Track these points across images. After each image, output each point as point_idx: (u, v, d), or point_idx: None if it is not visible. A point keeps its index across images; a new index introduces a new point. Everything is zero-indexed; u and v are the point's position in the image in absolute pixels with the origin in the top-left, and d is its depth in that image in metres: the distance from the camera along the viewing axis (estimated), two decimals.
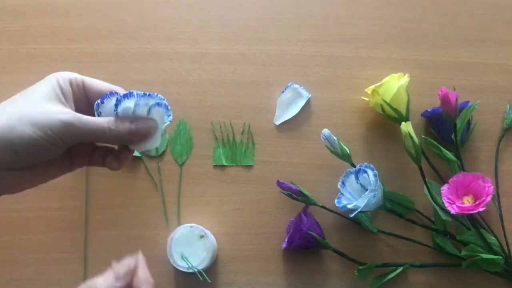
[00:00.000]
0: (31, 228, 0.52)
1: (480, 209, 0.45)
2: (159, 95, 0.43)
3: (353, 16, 0.57)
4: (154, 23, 0.56)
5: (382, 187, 0.48)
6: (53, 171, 0.44)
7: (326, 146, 0.51)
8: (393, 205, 0.51)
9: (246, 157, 0.54)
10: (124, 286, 0.38)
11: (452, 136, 0.51)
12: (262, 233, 0.53)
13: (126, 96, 0.43)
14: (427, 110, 0.54)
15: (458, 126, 0.50)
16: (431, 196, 0.50)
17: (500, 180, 0.54)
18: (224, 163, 0.54)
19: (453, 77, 0.56)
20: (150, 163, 0.54)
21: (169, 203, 0.53)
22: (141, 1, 0.56)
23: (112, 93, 0.43)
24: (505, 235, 0.51)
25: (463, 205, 0.46)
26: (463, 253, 0.49)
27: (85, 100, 0.44)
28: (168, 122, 0.44)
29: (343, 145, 0.50)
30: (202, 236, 0.48)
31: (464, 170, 0.51)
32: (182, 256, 0.47)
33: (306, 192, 0.52)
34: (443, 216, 0.50)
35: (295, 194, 0.51)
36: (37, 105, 0.39)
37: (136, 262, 0.39)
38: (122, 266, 0.39)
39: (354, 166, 0.50)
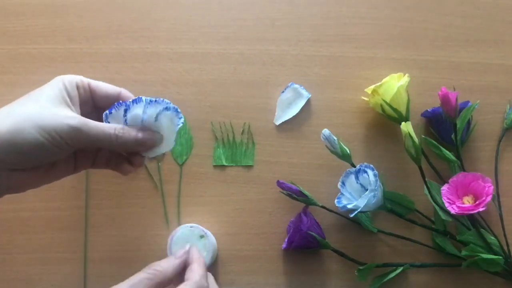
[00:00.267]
0: (31, 228, 0.52)
1: (480, 209, 0.45)
2: (165, 100, 0.44)
3: (353, 16, 0.57)
4: (154, 23, 0.56)
5: (382, 187, 0.48)
6: (57, 172, 0.44)
7: (326, 146, 0.51)
8: (393, 205, 0.51)
9: (246, 157, 0.54)
10: (182, 263, 0.43)
11: (452, 136, 0.51)
12: (262, 233, 0.53)
13: (135, 101, 0.43)
14: (427, 110, 0.54)
15: (458, 126, 0.50)
16: (431, 196, 0.50)
17: (500, 180, 0.54)
18: (224, 163, 0.54)
19: (453, 77, 0.56)
20: (150, 163, 0.54)
21: (169, 203, 0.53)
22: (141, 1, 0.56)
23: (120, 103, 0.43)
24: (505, 235, 0.51)
25: (463, 205, 0.46)
26: (463, 253, 0.49)
27: (91, 103, 0.45)
28: (180, 125, 0.45)
29: (343, 145, 0.50)
30: (202, 236, 0.48)
31: (464, 170, 0.51)
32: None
33: (306, 192, 0.52)
34: (443, 216, 0.50)
35: (295, 194, 0.51)
36: (45, 108, 0.39)
37: (189, 246, 0.45)
38: (180, 250, 0.45)
39: (354, 166, 0.50)
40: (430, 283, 0.53)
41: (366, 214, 0.53)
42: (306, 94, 0.55)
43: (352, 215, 0.47)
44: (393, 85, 0.50)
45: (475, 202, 0.47)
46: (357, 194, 0.49)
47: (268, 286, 0.53)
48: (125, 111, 0.43)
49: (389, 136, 0.55)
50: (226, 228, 0.53)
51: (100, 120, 0.43)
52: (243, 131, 0.55)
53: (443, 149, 0.51)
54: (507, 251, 0.50)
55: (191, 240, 0.48)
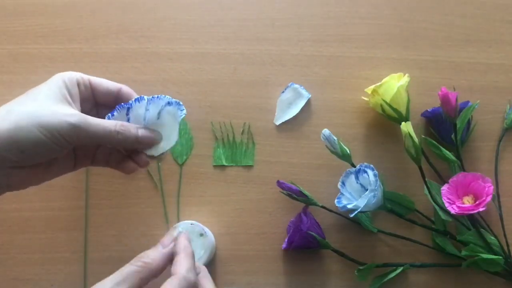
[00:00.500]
0: (31, 228, 0.52)
1: (480, 209, 0.45)
2: (167, 96, 0.45)
3: (353, 16, 0.57)
4: (154, 23, 0.56)
5: (382, 187, 0.48)
6: (56, 169, 0.44)
7: (326, 146, 0.51)
8: (393, 205, 0.51)
9: (246, 157, 0.54)
10: (170, 252, 0.42)
11: (452, 136, 0.51)
12: (262, 233, 0.53)
13: (137, 100, 0.44)
14: (427, 110, 0.54)
15: (458, 126, 0.50)
16: (431, 196, 0.50)
17: (500, 180, 0.54)
18: (224, 163, 0.54)
19: (453, 77, 0.56)
20: (150, 163, 0.54)
21: (169, 203, 0.53)
22: (141, 1, 0.56)
23: (122, 105, 0.44)
24: (505, 235, 0.51)
25: (463, 205, 0.46)
26: (463, 253, 0.49)
27: (91, 100, 0.45)
28: (183, 115, 0.45)
29: (343, 145, 0.50)
30: (201, 234, 0.48)
31: (464, 170, 0.51)
32: None
33: (306, 192, 0.52)
34: (443, 216, 0.50)
35: (295, 194, 0.51)
36: (44, 106, 0.39)
37: (178, 233, 0.44)
38: (167, 237, 0.44)
39: (354, 166, 0.50)
40: (430, 283, 0.53)
41: (366, 214, 0.53)
42: (306, 94, 0.55)
43: (352, 215, 0.47)
44: (393, 85, 0.50)
45: (475, 202, 0.47)
46: (357, 194, 0.49)
47: (268, 286, 0.53)
48: (128, 109, 0.44)
49: (389, 136, 0.55)
50: (226, 228, 0.53)
51: (101, 116, 0.43)
52: (243, 131, 0.55)
53: (443, 149, 0.51)
54: (507, 251, 0.50)
55: (190, 237, 0.48)
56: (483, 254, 0.48)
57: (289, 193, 0.51)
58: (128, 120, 0.44)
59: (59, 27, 0.55)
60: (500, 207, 0.52)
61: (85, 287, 0.52)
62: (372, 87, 0.52)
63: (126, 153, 0.47)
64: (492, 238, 0.50)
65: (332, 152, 0.51)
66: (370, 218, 0.53)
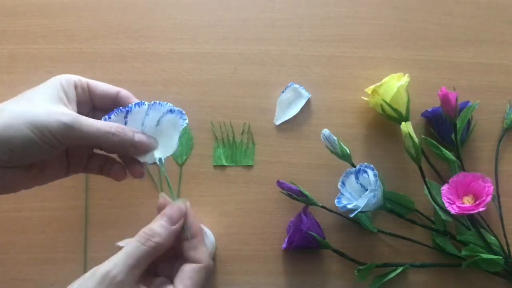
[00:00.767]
0: (31, 228, 0.52)
1: (480, 209, 0.45)
2: (169, 103, 0.43)
3: (353, 16, 0.57)
4: (154, 23, 0.56)
5: (382, 187, 0.48)
6: (49, 174, 0.43)
7: (326, 146, 0.51)
8: (393, 205, 0.51)
9: (246, 157, 0.54)
10: (179, 230, 0.40)
11: (452, 136, 0.51)
12: (262, 233, 0.53)
13: (137, 104, 0.43)
14: (427, 110, 0.54)
15: (458, 126, 0.50)
16: (431, 196, 0.50)
17: (500, 180, 0.54)
18: (224, 163, 0.54)
19: (453, 77, 0.56)
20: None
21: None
22: (141, 1, 0.56)
23: (120, 109, 0.42)
24: (505, 235, 0.51)
25: (463, 205, 0.46)
26: (463, 253, 0.49)
27: (89, 103, 0.45)
28: (184, 125, 0.44)
29: (343, 145, 0.50)
30: None
31: (464, 170, 0.51)
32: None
33: (306, 192, 0.52)
34: (443, 216, 0.50)
35: (295, 194, 0.51)
36: (38, 105, 0.39)
37: (186, 207, 0.41)
38: (174, 210, 0.40)
39: (354, 166, 0.50)
40: (430, 283, 0.53)
41: (366, 214, 0.53)
42: (306, 94, 0.55)
43: (352, 215, 0.47)
44: (393, 85, 0.50)
45: (475, 202, 0.47)
46: (357, 194, 0.49)
47: (268, 286, 0.53)
48: (127, 113, 0.43)
49: (389, 136, 0.55)
50: (226, 228, 0.53)
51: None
52: (243, 131, 0.55)
53: (443, 149, 0.51)
54: (507, 251, 0.50)
55: None
56: (483, 254, 0.48)
57: (289, 193, 0.51)
58: (125, 124, 0.42)
59: (59, 27, 0.55)
60: (500, 207, 0.52)
61: None
62: (372, 87, 0.52)
63: (120, 159, 0.46)
64: (492, 238, 0.50)
65: (332, 152, 0.51)
66: (370, 218, 0.53)
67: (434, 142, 0.51)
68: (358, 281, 0.51)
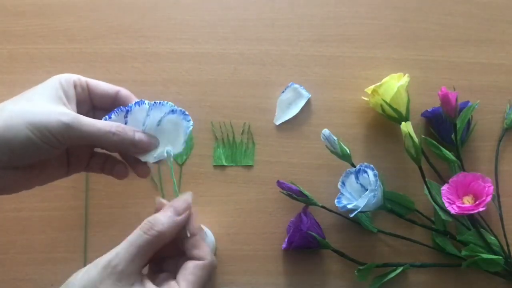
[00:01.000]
0: (31, 228, 0.52)
1: (480, 209, 0.45)
2: (170, 102, 0.43)
3: (353, 16, 0.57)
4: (154, 23, 0.56)
5: (382, 187, 0.48)
6: (49, 174, 0.43)
7: (326, 146, 0.51)
8: (393, 205, 0.51)
9: (246, 157, 0.54)
10: (184, 222, 0.39)
11: (452, 136, 0.51)
12: (262, 233, 0.53)
13: (137, 103, 0.43)
14: (427, 110, 0.54)
15: (458, 126, 0.50)
16: (431, 196, 0.50)
17: (500, 180, 0.54)
18: (224, 163, 0.54)
19: (453, 77, 0.56)
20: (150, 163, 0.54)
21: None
22: (141, 1, 0.56)
23: (121, 108, 0.42)
24: (505, 235, 0.51)
25: (463, 205, 0.46)
26: (463, 253, 0.49)
27: (89, 102, 0.44)
28: (190, 128, 0.43)
29: (343, 145, 0.50)
30: None
31: (464, 170, 0.51)
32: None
33: (306, 192, 0.52)
34: (443, 216, 0.50)
35: (295, 194, 0.51)
36: (37, 105, 0.39)
37: (191, 199, 0.41)
38: (180, 201, 0.40)
39: (354, 166, 0.50)
40: (430, 283, 0.53)
41: (366, 214, 0.53)
42: (306, 94, 0.55)
43: (352, 215, 0.47)
44: (393, 85, 0.50)
45: (475, 202, 0.47)
46: (357, 194, 0.49)
47: (268, 286, 0.53)
48: (127, 112, 0.42)
49: (389, 136, 0.55)
50: (226, 228, 0.53)
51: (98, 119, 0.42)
52: (243, 131, 0.55)
53: (443, 149, 0.51)
54: (507, 251, 0.50)
55: None
56: (483, 254, 0.48)
57: (289, 193, 0.51)
58: (125, 123, 0.42)
59: (59, 27, 0.55)
60: (500, 207, 0.52)
61: None
62: (372, 87, 0.52)
63: (123, 158, 0.46)
64: (492, 238, 0.50)
65: (332, 152, 0.51)
66: (370, 218, 0.53)
67: (434, 142, 0.51)
68: (358, 281, 0.51)
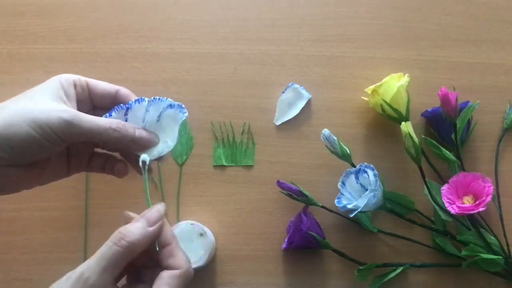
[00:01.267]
0: (31, 228, 0.52)
1: (480, 209, 0.45)
2: (169, 99, 0.44)
3: (353, 16, 0.57)
4: (154, 23, 0.56)
5: (382, 187, 0.48)
6: (50, 173, 0.43)
7: (326, 146, 0.51)
8: (393, 205, 0.51)
9: (246, 157, 0.54)
10: (157, 232, 0.38)
11: (452, 136, 0.51)
12: (262, 233, 0.53)
13: (137, 101, 0.43)
14: (427, 110, 0.54)
15: (458, 126, 0.50)
16: (431, 196, 0.50)
17: (500, 180, 0.54)
18: (224, 163, 0.54)
19: (453, 77, 0.56)
20: (150, 163, 0.54)
21: (169, 203, 0.53)
22: (141, 1, 0.56)
23: (121, 106, 0.43)
24: (505, 235, 0.51)
25: (463, 205, 0.46)
26: (463, 253, 0.49)
27: (89, 102, 0.45)
28: (184, 118, 0.44)
29: (343, 145, 0.50)
30: (201, 234, 0.48)
31: (464, 170, 0.51)
32: None
33: (306, 192, 0.52)
34: (443, 216, 0.50)
35: (295, 194, 0.51)
36: (38, 103, 0.39)
37: (164, 209, 0.40)
38: (152, 212, 0.39)
39: (354, 166, 0.50)
40: (430, 283, 0.53)
41: (366, 214, 0.53)
42: (306, 95, 0.55)
43: (352, 215, 0.47)
44: (393, 85, 0.50)
45: (475, 202, 0.47)
46: (357, 194, 0.49)
47: (268, 286, 0.53)
48: (127, 110, 0.43)
49: (389, 136, 0.55)
50: (226, 228, 0.53)
51: None
52: (243, 131, 0.55)
53: (443, 149, 0.51)
54: (507, 251, 0.50)
55: (190, 237, 0.48)
56: (483, 254, 0.48)
57: (289, 193, 0.51)
58: (126, 121, 0.43)
59: (59, 27, 0.55)
60: (500, 207, 0.52)
61: None
62: (372, 87, 0.52)
63: (125, 157, 0.46)
64: (492, 238, 0.50)
65: (332, 152, 0.51)
66: (370, 218, 0.53)
67: (434, 142, 0.51)
68: (358, 281, 0.51)
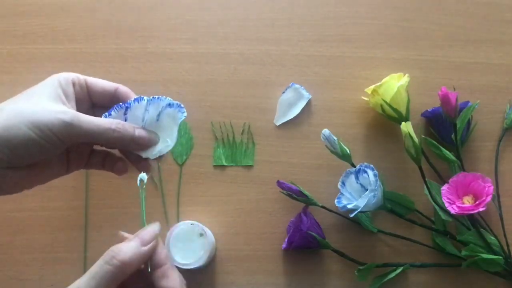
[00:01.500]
0: (31, 228, 0.52)
1: (480, 209, 0.45)
2: (168, 98, 0.43)
3: (353, 16, 0.57)
4: (154, 23, 0.56)
5: (382, 187, 0.48)
6: (49, 172, 0.43)
7: (326, 146, 0.51)
8: (393, 205, 0.51)
9: (246, 157, 0.54)
10: (150, 253, 0.38)
11: (452, 136, 0.51)
12: (262, 233, 0.53)
13: (136, 100, 0.43)
14: (427, 110, 0.54)
15: (458, 126, 0.50)
16: (431, 196, 0.50)
17: (500, 180, 0.54)
18: (224, 163, 0.54)
19: (453, 77, 0.56)
20: (153, 168, 0.54)
21: (169, 203, 0.53)
22: (141, 1, 0.56)
23: (120, 105, 0.42)
24: (505, 235, 0.51)
25: (463, 205, 0.46)
26: (463, 253, 0.49)
27: (88, 100, 0.44)
28: (183, 118, 0.44)
29: (343, 145, 0.50)
30: (201, 235, 0.48)
31: (464, 170, 0.51)
32: None
33: (306, 192, 0.52)
34: (443, 216, 0.50)
35: (295, 194, 0.51)
36: (37, 104, 0.39)
37: (159, 229, 0.39)
38: (146, 231, 0.39)
39: (354, 166, 0.50)
40: (430, 283, 0.53)
41: (366, 214, 0.53)
42: (306, 95, 0.55)
43: (352, 215, 0.47)
44: (393, 85, 0.50)
45: (475, 202, 0.47)
46: (357, 194, 0.49)
47: (268, 286, 0.53)
48: (126, 109, 0.43)
49: (389, 136, 0.55)
50: (226, 228, 0.53)
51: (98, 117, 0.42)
52: (243, 131, 0.55)
53: (443, 149, 0.51)
54: (507, 251, 0.50)
55: (190, 237, 0.48)
56: (483, 254, 0.48)
57: (289, 193, 0.51)
58: (125, 120, 0.42)
59: (59, 27, 0.55)
60: (500, 207, 0.52)
61: None
62: (372, 87, 0.52)
63: (125, 155, 0.46)
64: (492, 238, 0.50)
65: (332, 152, 0.51)
66: (370, 218, 0.53)
67: (434, 142, 0.51)
68: (358, 281, 0.51)
